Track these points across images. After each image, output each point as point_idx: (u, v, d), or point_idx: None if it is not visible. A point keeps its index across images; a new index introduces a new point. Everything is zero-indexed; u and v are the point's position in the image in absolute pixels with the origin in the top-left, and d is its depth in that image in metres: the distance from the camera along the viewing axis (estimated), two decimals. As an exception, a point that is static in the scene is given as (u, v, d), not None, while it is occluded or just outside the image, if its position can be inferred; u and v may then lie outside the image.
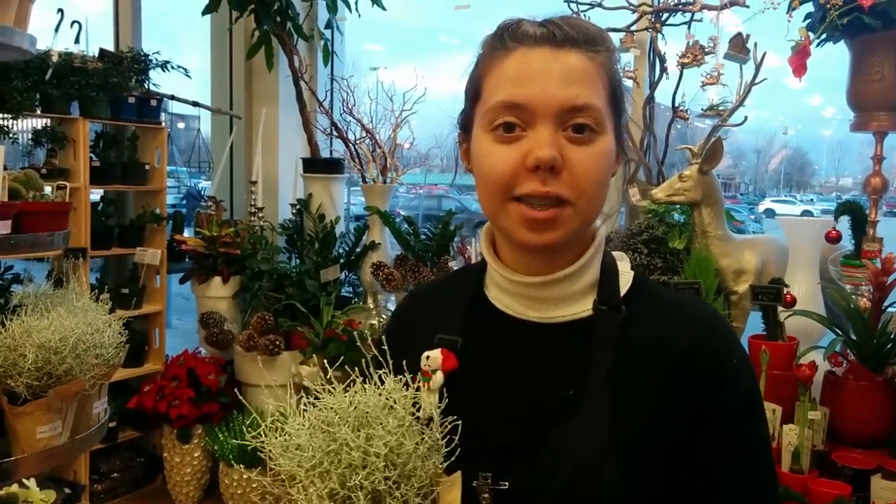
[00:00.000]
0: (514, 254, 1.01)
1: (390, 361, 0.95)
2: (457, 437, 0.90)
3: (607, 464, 0.89)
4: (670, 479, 0.92)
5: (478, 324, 1.04)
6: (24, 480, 2.01)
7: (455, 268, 3.80)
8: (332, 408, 0.90)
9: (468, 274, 1.12)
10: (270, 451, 0.90)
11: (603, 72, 0.95)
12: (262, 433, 0.91)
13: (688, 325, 0.98)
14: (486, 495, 0.91)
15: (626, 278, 1.03)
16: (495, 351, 1.01)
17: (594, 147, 0.92)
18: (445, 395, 0.95)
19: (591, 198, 0.93)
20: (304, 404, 0.93)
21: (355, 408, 0.89)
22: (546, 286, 0.99)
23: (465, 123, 1.03)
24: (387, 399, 0.90)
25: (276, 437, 0.90)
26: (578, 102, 0.91)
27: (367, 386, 0.91)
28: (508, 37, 0.95)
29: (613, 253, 1.05)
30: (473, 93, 1.00)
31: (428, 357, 0.99)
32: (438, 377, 0.98)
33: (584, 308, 0.99)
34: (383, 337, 1.10)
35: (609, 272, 1.01)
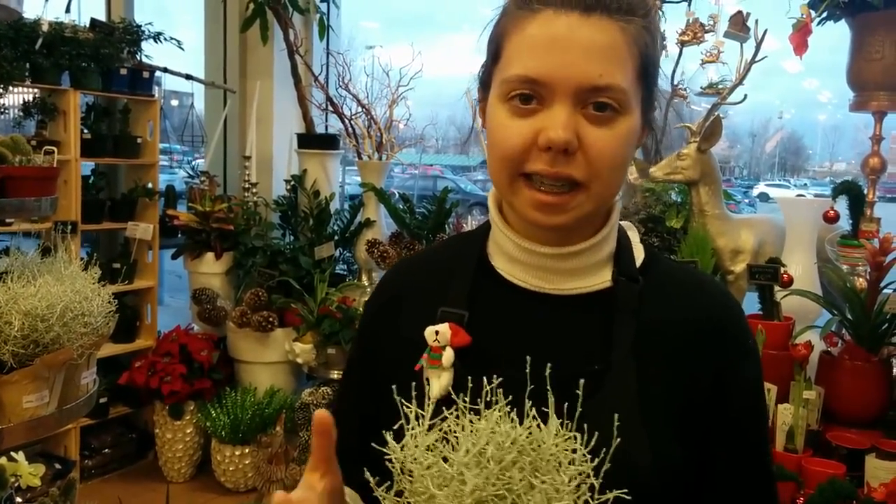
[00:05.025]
0: (526, 224, 0.94)
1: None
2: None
3: (639, 434, 0.87)
4: (688, 447, 0.91)
5: (485, 296, 0.97)
6: (13, 454, 1.99)
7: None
8: (492, 439, 0.77)
9: (467, 241, 1.04)
10: (414, 470, 0.78)
11: (634, 45, 0.87)
12: (407, 445, 0.79)
13: (706, 299, 0.98)
14: None
15: (638, 250, 1.00)
16: (508, 325, 0.95)
17: (614, 128, 0.87)
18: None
19: (605, 181, 0.88)
20: (453, 424, 0.80)
21: (521, 447, 0.76)
22: (564, 258, 0.94)
23: (485, 81, 0.96)
24: (557, 449, 0.77)
25: (428, 459, 0.77)
26: (601, 83, 0.85)
27: (529, 424, 0.79)
28: None
29: (622, 223, 1.01)
30: (494, 51, 0.93)
31: (437, 332, 0.92)
32: (449, 354, 0.91)
33: (600, 280, 0.96)
34: (366, 315, 1.08)
35: (624, 244, 0.98)
